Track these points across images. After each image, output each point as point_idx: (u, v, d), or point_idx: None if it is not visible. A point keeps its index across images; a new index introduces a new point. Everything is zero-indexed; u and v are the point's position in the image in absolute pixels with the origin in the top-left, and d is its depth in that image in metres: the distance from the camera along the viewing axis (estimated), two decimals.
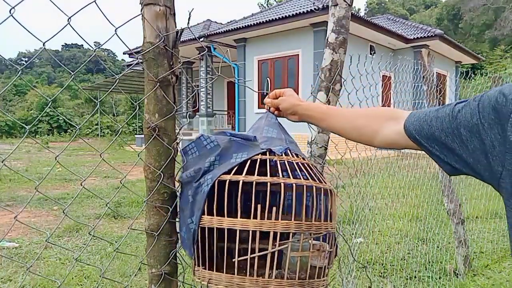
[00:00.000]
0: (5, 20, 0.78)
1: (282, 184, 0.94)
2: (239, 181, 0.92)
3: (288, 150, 1.02)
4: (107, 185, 6.98)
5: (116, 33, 0.88)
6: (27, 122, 23.59)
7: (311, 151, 1.44)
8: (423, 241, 3.71)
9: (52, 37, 0.85)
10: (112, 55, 70.99)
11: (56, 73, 60.58)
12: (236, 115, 14.00)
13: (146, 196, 1.00)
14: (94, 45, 0.98)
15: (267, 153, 0.97)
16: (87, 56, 61.68)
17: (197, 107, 16.05)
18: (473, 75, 10.02)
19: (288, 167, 0.98)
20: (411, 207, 4.69)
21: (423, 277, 2.94)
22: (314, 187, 0.98)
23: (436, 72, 14.78)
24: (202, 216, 0.91)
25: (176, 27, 0.97)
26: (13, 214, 4.95)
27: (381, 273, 3.05)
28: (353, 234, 3.97)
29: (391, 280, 2.90)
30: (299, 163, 1.00)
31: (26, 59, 64.95)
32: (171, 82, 0.96)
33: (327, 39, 1.48)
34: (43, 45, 0.81)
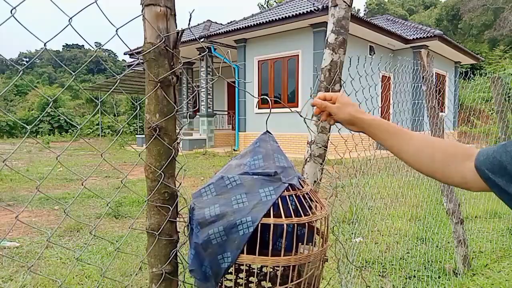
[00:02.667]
0: (7, 20, 0.79)
1: (307, 224, 1.04)
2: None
3: (299, 179, 1.11)
4: (108, 185, 7.00)
5: (117, 33, 0.89)
6: (28, 122, 23.62)
7: (310, 151, 1.45)
8: (422, 240, 3.72)
9: (53, 38, 0.86)
10: (113, 56, 71.05)
11: (57, 74, 60.63)
12: (236, 115, 14.01)
13: (147, 195, 1.01)
14: (95, 45, 0.99)
15: (290, 188, 1.06)
16: (88, 56, 61.69)
17: (197, 107, 16.07)
18: (472, 76, 10.03)
19: (303, 201, 1.08)
20: (410, 206, 4.70)
21: (422, 277, 2.95)
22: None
23: (436, 72, 14.79)
24: (241, 254, 0.97)
25: (176, 28, 0.98)
26: (14, 213, 4.97)
27: (381, 273, 3.06)
28: (352, 233, 3.98)
29: (390, 279, 2.91)
30: (308, 193, 1.10)
31: (27, 59, 65.04)
32: (172, 83, 0.97)
33: (327, 39, 1.49)
34: (44, 45, 0.81)
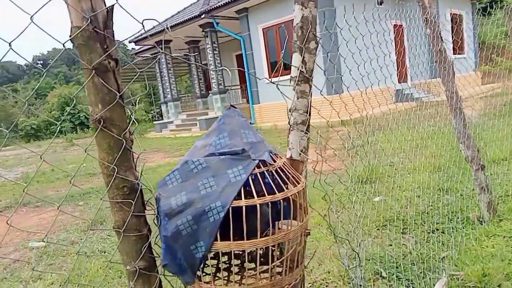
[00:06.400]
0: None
1: (290, 199, 0.99)
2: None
3: (270, 153, 1.04)
4: None
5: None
6: (51, 123, 24.20)
7: (293, 119, 1.34)
8: (446, 191, 3.58)
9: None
10: (123, 45, 71.05)
11: (72, 72, 61.54)
12: (248, 88, 13.83)
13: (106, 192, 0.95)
14: None
15: (261, 165, 0.99)
16: None
17: (209, 85, 15.97)
18: (492, 10, 9.37)
19: (277, 176, 1.02)
20: (432, 157, 4.53)
21: (446, 228, 2.85)
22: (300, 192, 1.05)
23: (451, 13, 13.96)
24: (215, 242, 0.92)
25: (105, 5, 0.88)
26: (42, 214, 5.14)
27: (402, 230, 2.97)
28: (371, 193, 3.88)
29: (412, 235, 2.82)
30: (281, 166, 1.04)
31: (41, 62, 66.15)
32: (110, 68, 0.88)
33: None
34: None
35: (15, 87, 45.20)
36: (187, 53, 17.13)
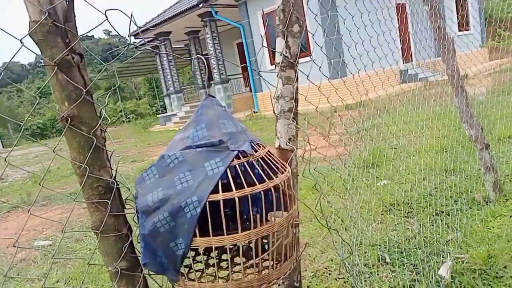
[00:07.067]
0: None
1: (263, 193, 0.94)
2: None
3: (252, 143, 0.99)
4: (134, 170, 7.12)
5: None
6: (56, 121, 24.33)
7: (279, 106, 1.29)
8: (451, 172, 3.51)
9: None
10: (124, 40, 70.68)
11: None
12: (250, 76, 13.71)
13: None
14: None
15: (240, 155, 0.94)
16: (100, 46, 61.89)
17: (211, 75, 15.85)
18: None
19: (258, 167, 0.99)
20: (437, 138, 4.44)
21: (451, 210, 2.79)
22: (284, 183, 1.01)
23: None
24: (194, 238, 0.88)
25: None
26: (48, 213, 5.17)
27: (407, 214, 2.92)
28: (375, 177, 3.83)
29: (416, 219, 2.77)
30: (264, 157, 0.99)
31: (43, 60, 66.14)
32: (74, 63, 0.84)
33: None
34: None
35: (19, 87, 45.46)
36: (187, 44, 17.01)
